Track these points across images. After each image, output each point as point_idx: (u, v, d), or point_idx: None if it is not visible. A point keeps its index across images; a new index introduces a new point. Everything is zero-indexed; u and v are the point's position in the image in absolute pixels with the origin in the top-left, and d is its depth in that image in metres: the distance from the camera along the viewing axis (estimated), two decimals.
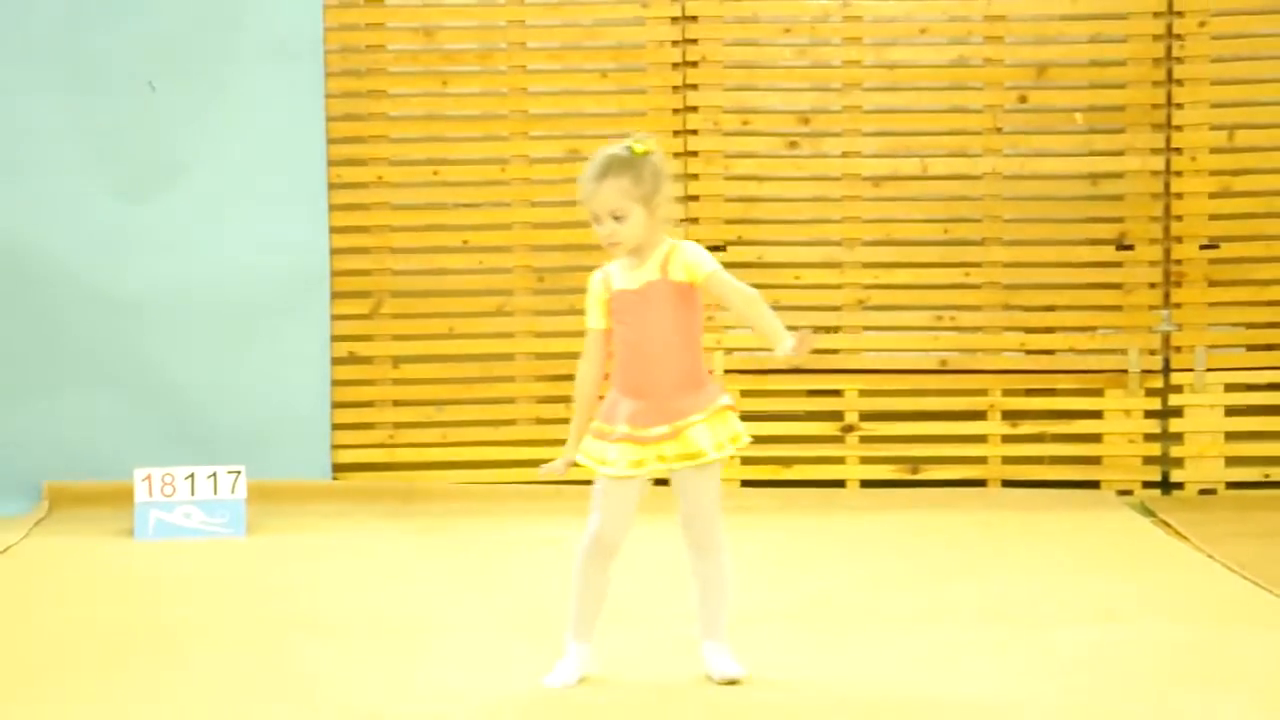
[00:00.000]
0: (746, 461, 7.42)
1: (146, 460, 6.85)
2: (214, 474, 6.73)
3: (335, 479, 7.38)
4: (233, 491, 6.72)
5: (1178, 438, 7.43)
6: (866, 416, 7.47)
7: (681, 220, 7.45)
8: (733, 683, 4.37)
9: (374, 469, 7.43)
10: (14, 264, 7.21)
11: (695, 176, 7.41)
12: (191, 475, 6.72)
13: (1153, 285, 7.43)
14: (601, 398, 4.36)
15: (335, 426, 7.40)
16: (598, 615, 4.39)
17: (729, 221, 7.45)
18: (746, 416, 7.35)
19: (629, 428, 4.24)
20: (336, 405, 7.41)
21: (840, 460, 7.44)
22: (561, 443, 4.42)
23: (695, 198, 7.41)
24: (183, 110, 7.26)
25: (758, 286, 7.42)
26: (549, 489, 7.14)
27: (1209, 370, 7.40)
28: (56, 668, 4.76)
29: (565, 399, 7.23)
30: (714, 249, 7.36)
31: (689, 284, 4.29)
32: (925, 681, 4.54)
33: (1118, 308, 7.44)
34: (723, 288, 4.30)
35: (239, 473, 6.74)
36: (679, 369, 4.29)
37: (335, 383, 7.41)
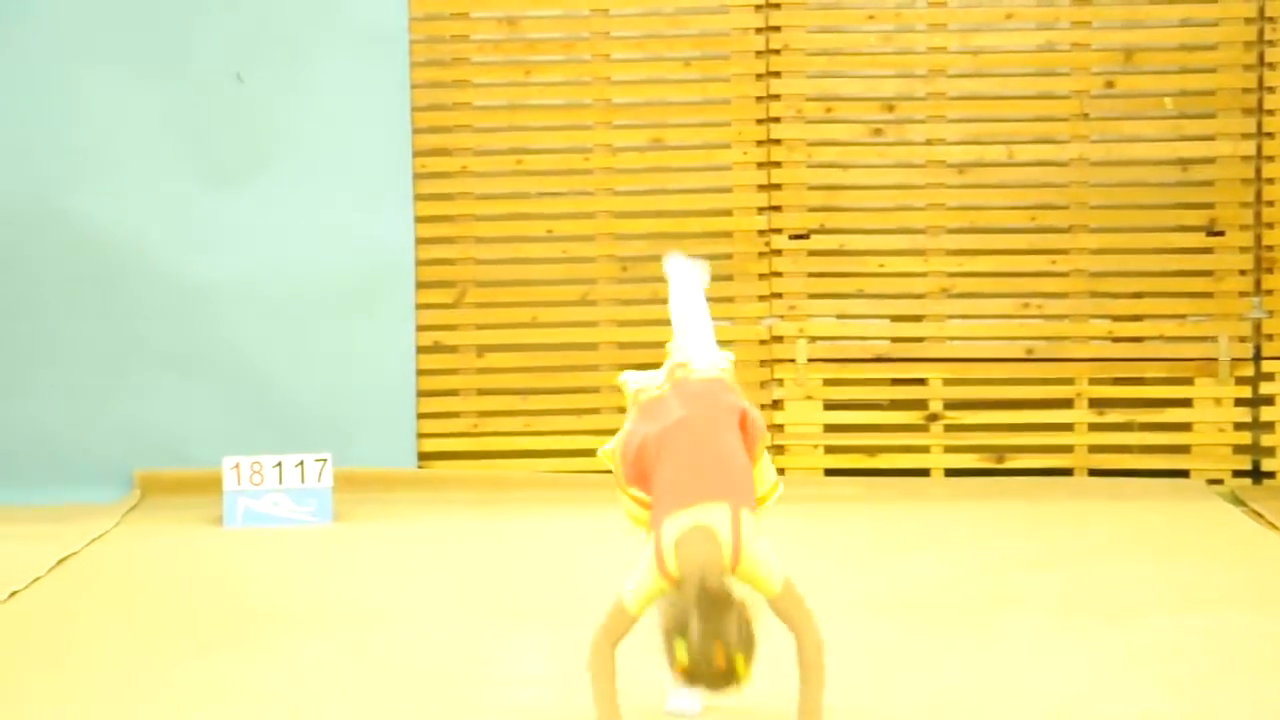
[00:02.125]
0: (831, 450, 7.40)
1: (235, 449, 6.92)
2: (301, 462, 6.80)
3: (421, 467, 7.43)
4: (319, 480, 6.78)
5: (1269, 426, 7.33)
6: (951, 405, 7.42)
7: (764, 209, 7.46)
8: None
9: (459, 457, 7.47)
10: (104, 255, 7.30)
11: (778, 164, 7.40)
12: (279, 464, 6.78)
13: (1243, 272, 7.33)
14: None
15: (421, 415, 7.45)
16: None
17: (812, 209, 7.42)
18: (831, 405, 7.42)
19: None
20: (422, 394, 7.46)
21: (925, 449, 7.40)
22: None
23: (778, 186, 7.39)
24: (268, 100, 7.33)
25: (841, 275, 7.53)
26: None
27: None
28: (147, 653, 4.82)
29: None
30: (797, 237, 7.46)
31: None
32: (1010, 671, 4.51)
33: (1208, 294, 7.35)
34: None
35: (325, 461, 6.80)
36: None
37: (420, 372, 7.46)
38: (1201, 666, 4.52)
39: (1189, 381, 7.35)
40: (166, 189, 7.32)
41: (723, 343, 7.60)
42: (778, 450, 7.42)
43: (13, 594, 5.54)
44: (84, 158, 7.29)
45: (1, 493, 7.14)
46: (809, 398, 7.42)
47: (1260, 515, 6.62)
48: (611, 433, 7.58)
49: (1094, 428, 7.37)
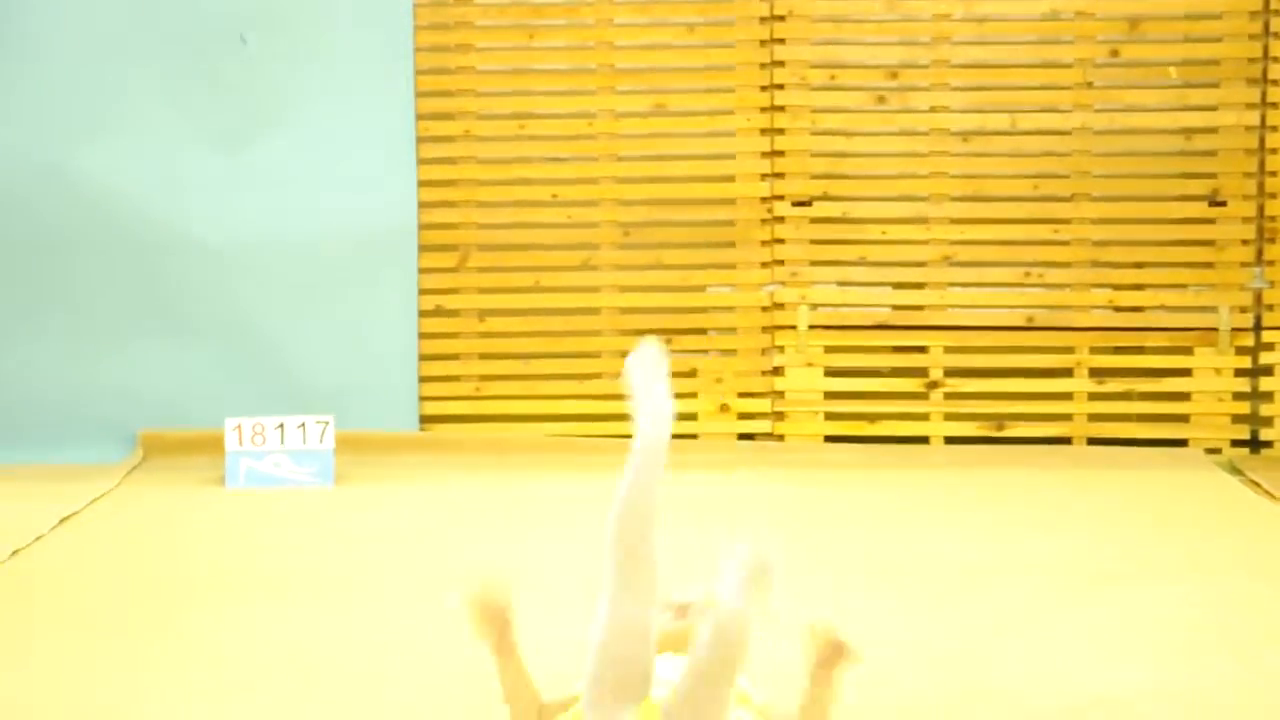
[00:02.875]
0: (831, 417, 7.42)
1: (238, 410, 6.95)
2: (303, 424, 6.82)
3: (422, 430, 7.46)
4: (321, 441, 6.81)
5: (1268, 396, 7.35)
6: (951, 373, 7.44)
7: (767, 175, 7.46)
8: None
9: (460, 421, 7.49)
10: (107, 214, 7.30)
11: (782, 132, 7.39)
12: (281, 425, 6.81)
13: (1245, 242, 7.34)
14: None
15: (422, 378, 7.47)
16: None
17: (815, 177, 7.43)
18: (832, 372, 7.44)
19: None
20: (424, 357, 7.47)
21: (925, 417, 7.42)
22: None
23: (781, 153, 7.39)
24: (272, 63, 7.32)
25: (844, 242, 7.52)
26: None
27: None
28: (147, 612, 4.85)
29: None
30: (800, 204, 7.46)
31: None
32: (1007, 638, 4.54)
33: (1209, 264, 7.36)
34: None
35: (327, 423, 6.82)
36: None
37: (423, 335, 7.47)
38: (1197, 634, 4.54)
39: (1189, 351, 7.37)
40: (170, 151, 7.32)
41: (724, 309, 7.67)
42: (778, 417, 7.45)
43: (15, 552, 5.57)
44: (86, 118, 7.29)
45: (4, 452, 7.17)
46: (810, 365, 7.44)
47: (1258, 485, 6.65)
48: (612, 397, 7.56)
49: (1094, 397, 7.39)
